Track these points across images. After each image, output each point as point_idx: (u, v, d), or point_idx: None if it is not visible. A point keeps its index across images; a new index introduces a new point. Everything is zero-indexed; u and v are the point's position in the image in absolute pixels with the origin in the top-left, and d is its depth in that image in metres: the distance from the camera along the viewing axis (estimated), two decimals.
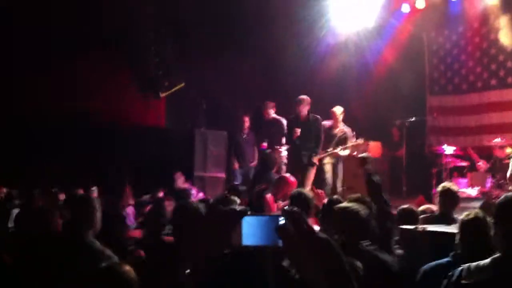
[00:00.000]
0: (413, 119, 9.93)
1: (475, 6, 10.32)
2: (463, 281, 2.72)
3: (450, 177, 9.13)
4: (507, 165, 8.59)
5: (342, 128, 9.25)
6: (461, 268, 2.80)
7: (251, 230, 2.42)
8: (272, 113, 9.71)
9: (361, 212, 3.73)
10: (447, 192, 5.20)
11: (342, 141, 9.09)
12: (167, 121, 11.15)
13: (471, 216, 3.48)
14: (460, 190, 8.41)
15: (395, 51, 11.08)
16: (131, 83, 10.62)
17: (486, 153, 9.58)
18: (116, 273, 2.45)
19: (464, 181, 9.15)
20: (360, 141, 8.94)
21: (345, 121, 9.35)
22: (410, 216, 4.78)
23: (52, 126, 9.31)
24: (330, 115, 9.32)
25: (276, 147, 9.08)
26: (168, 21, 10.34)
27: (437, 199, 5.40)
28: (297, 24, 10.15)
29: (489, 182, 8.80)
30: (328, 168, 9.17)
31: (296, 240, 1.69)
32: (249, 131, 10.29)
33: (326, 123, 9.20)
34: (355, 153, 9.61)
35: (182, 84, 10.76)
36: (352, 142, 8.98)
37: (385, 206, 4.25)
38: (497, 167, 8.85)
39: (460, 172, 9.58)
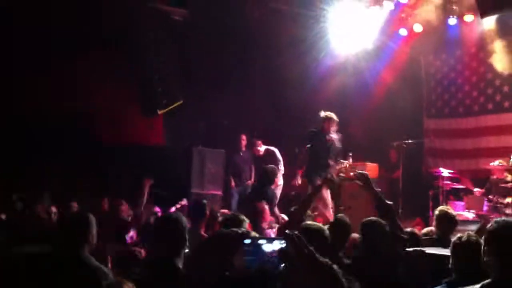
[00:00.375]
0: (411, 141, 9.97)
1: (472, 31, 10.43)
2: None
3: (446, 200, 9.15)
4: (503, 188, 8.64)
5: (331, 136, 8.97)
6: None
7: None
8: (261, 148, 9.81)
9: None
10: (445, 216, 5.24)
11: (336, 151, 8.95)
12: (165, 139, 11.15)
13: (463, 239, 3.49)
14: (457, 213, 8.48)
15: (393, 74, 11.17)
16: (130, 100, 10.64)
17: (483, 176, 9.60)
18: None
19: (460, 204, 9.16)
20: (346, 163, 9.03)
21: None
22: (412, 239, 4.80)
23: (51, 127, 9.29)
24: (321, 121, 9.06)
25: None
26: (170, 38, 10.39)
27: (434, 222, 5.43)
28: (297, 45, 10.24)
29: (485, 205, 8.82)
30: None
31: (296, 264, 1.70)
32: (246, 149, 10.33)
33: (314, 129, 9.07)
34: (351, 173, 9.68)
35: (180, 102, 10.78)
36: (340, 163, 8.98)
37: (399, 231, 4.21)
38: (493, 189, 8.88)
39: (456, 195, 9.60)
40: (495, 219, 2.88)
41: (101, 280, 3.39)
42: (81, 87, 9.86)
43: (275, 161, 9.48)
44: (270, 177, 7.97)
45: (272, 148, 9.82)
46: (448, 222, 5.20)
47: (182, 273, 3.06)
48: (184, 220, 3.49)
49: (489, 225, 2.83)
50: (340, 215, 5.66)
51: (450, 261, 3.55)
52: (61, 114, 9.52)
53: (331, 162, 8.77)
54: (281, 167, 9.55)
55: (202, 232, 5.50)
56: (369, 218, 4.22)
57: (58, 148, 9.12)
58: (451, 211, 5.52)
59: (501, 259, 2.70)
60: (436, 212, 5.51)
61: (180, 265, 3.07)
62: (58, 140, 9.18)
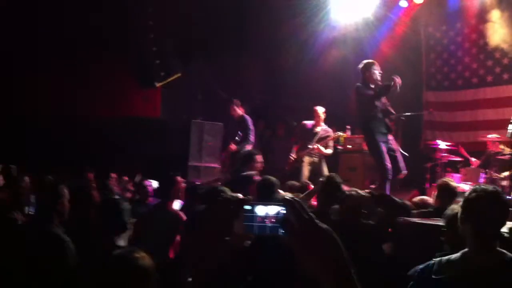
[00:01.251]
0: (409, 113, 9.94)
1: (473, 3, 10.36)
2: (433, 276, 2.71)
3: (444, 172, 9.17)
4: (499, 160, 8.68)
5: (324, 128, 9.12)
6: (432, 262, 2.79)
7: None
8: (239, 111, 9.66)
9: None
10: (446, 188, 5.23)
11: (324, 139, 9.02)
12: (163, 112, 11.14)
13: (456, 210, 3.51)
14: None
15: (392, 46, 11.09)
16: (127, 72, 10.59)
17: (480, 148, 9.63)
18: (131, 260, 2.37)
19: (457, 176, 9.18)
20: (341, 133, 9.06)
21: (326, 121, 9.23)
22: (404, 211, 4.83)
23: (48, 118, 9.30)
24: (312, 114, 9.18)
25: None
26: (168, 11, 10.29)
27: (435, 193, 5.42)
28: (296, 17, 10.15)
29: (482, 177, 8.86)
30: (305, 167, 8.92)
31: (296, 230, 1.71)
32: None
33: (307, 122, 9.14)
34: (349, 146, 9.71)
35: (179, 75, 10.73)
36: (333, 134, 9.03)
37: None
38: (490, 162, 8.91)
39: (454, 167, 9.62)
40: (473, 187, 2.85)
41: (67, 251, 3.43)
42: (79, 61, 9.81)
43: (246, 129, 9.41)
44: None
45: (246, 116, 9.64)
46: (449, 194, 5.11)
47: None
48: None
49: (467, 193, 2.81)
50: (332, 174, 5.73)
51: (443, 234, 3.54)
52: (56, 105, 9.50)
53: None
54: (251, 137, 9.44)
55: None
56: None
57: (52, 136, 9.11)
58: (453, 183, 5.49)
59: (474, 226, 2.69)
60: (439, 182, 5.50)
61: None
62: (52, 128, 9.18)
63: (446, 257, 2.78)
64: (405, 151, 9.89)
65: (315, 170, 8.88)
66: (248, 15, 10.30)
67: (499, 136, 8.73)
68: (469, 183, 8.72)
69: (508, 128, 6.97)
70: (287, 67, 10.75)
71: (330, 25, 10.72)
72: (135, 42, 10.28)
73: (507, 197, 6.53)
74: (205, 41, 10.36)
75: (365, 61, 8.09)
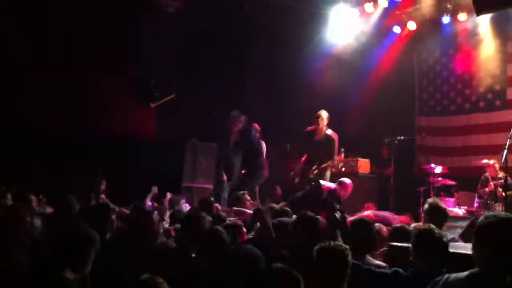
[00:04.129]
0: (402, 138, 10.01)
1: (465, 30, 10.53)
2: None
3: (437, 196, 9.19)
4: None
5: (327, 133, 9.02)
6: (441, 277, 2.85)
7: None
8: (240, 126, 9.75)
9: None
10: (435, 208, 5.18)
11: (328, 149, 8.92)
12: (157, 131, 11.10)
13: (422, 228, 3.59)
14: (448, 209, 8.53)
15: (386, 71, 11.22)
16: (122, 91, 10.58)
17: (472, 173, 9.69)
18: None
19: (451, 200, 9.23)
20: (336, 161, 8.97)
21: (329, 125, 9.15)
22: (403, 234, 4.80)
23: (42, 131, 9.23)
24: (314, 120, 9.12)
25: None
26: (164, 30, 10.36)
27: (423, 215, 5.38)
28: (292, 40, 10.26)
29: (476, 202, 8.90)
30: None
31: None
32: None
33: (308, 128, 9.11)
34: (343, 169, 9.72)
35: (173, 95, 10.75)
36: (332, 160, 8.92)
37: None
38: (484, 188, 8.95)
39: (447, 192, 9.66)
40: (485, 214, 2.90)
41: None
42: (74, 80, 9.80)
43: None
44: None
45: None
46: (439, 214, 5.04)
47: None
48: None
49: (479, 220, 2.84)
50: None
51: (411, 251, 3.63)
52: (51, 120, 9.46)
53: None
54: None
55: None
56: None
57: (48, 141, 9.04)
58: (442, 204, 5.50)
59: (489, 251, 2.71)
60: (426, 204, 5.47)
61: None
62: (48, 133, 9.11)
63: (454, 274, 2.81)
64: (398, 175, 9.96)
65: None
66: (245, 37, 10.39)
67: (494, 162, 8.76)
68: (464, 207, 8.78)
69: (503, 154, 7.00)
70: (283, 90, 10.82)
71: (325, 49, 10.84)
72: (130, 61, 10.30)
73: None
74: (202, 62, 10.40)
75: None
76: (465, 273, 2.78)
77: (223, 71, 10.44)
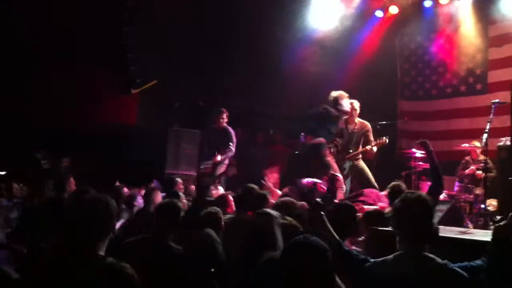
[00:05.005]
0: (384, 122, 10.04)
1: (447, 14, 10.54)
2: (366, 274, 2.95)
3: (419, 180, 9.27)
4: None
5: (360, 123, 8.90)
6: (369, 263, 3.00)
7: None
8: (224, 122, 9.63)
9: None
10: (399, 191, 5.20)
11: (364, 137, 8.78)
12: (139, 119, 11.03)
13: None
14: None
15: (368, 55, 11.20)
16: (103, 78, 10.46)
17: (454, 158, 9.75)
18: (118, 270, 2.42)
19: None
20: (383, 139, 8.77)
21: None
22: (378, 217, 4.81)
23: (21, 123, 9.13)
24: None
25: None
26: (144, 17, 10.24)
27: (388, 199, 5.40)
28: (274, 24, 10.19)
29: (456, 186, 8.98)
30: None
31: None
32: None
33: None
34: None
35: (155, 82, 10.67)
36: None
37: None
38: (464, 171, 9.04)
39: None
40: (401, 197, 3.02)
41: None
42: (53, 67, 9.66)
43: (229, 140, 9.42)
44: None
45: (230, 128, 9.60)
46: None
47: None
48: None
49: (396, 202, 3.00)
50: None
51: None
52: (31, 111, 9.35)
53: None
54: (233, 149, 9.49)
55: None
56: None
57: (28, 130, 8.95)
58: (403, 185, 5.52)
59: (405, 231, 2.89)
60: (388, 188, 5.50)
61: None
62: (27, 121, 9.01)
63: (381, 259, 2.97)
64: (380, 160, 10.00)
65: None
66: (227, 24, 10.30)
67: (477, 145, 8.82)
68: (444, 191, 8.84)
69: (483, 138, 7.07)
70: (266, 75, 10.77)
71: (307, 34, 10.80)
72: (111, 48, 10.18)
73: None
74: (184, 48, 10.31)
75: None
76: (391, 256, 2.92)
77: (203, 57, 10.35)
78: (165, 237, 4.02)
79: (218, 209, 4.94)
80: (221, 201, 5.71)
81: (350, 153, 8.79)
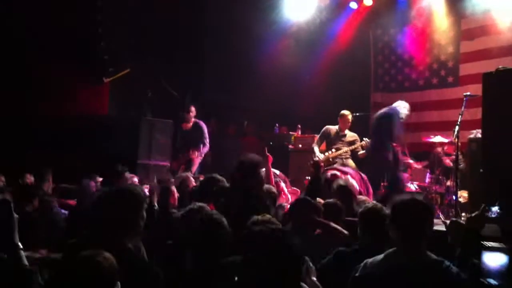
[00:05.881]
0: (358, 114, 10.10)
1: (420, 7, 10.65)
2: (356, 274, 2.99)
3: None
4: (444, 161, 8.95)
5: (353, 134, 9.18)
6: (363, 263, 3.04)
7: None
8: (192, 118, 9.57)
9: None
10: (343, 189, 5.41)
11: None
12: (111, 109, 10.86)
13: (368, 207, 3.81)
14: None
15: (342, 47, 11.25)
16: (73, 68, 10.25)
17: (426, 149, 9.88)
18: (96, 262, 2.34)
19: (404, 175, 9.39)
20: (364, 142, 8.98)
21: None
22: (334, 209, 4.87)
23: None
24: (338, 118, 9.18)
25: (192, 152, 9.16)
26: (117, 5, 10.05)
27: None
28: (248, 15, 10.13)
29: (428, 178, 9.10)
30: None
31: None
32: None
33: (332, 127, 9.16)
34: (300, 145, 9.78)
35: (127, 70, 10.50)
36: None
37: None
38: (435, 163, 9.15)
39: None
40: (399, 198, 3.09)
41: None
42: (21, 57, 9.42)
43: (202, 136, 9.39)
44: None
45: (202, 122, 9.56)
46: (347, 195, 5.28)
47: None
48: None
49: (393, 201, 3.07)
50: None
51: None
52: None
53: None
54: (207, 144, 9.48)
55: None
56: None
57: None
58: (348, 182, 5.65)
59: (400, 232, 2.97)
60: (334, 186, 5.54)
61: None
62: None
63: (372, 259, 3.03)
64: (354, 151, 10.07)
65: None
66: (201, 12, 10.20)
67: (445, 141, 8.95)
68: (416, 183, 8.97)
69: (454, 130, 7.15)
70: (239, 66, 10.73)
71: (281, 25, 10.78)
72: (82, 36, 9.97)
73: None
74: (156, 37, 10.17)
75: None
76: (381, 255, 3.00)
77: (176, 46, 10.24)
78: None
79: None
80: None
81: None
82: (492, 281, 2.90)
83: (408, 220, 2.95)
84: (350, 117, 9.11)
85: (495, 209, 4.86)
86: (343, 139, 9.05)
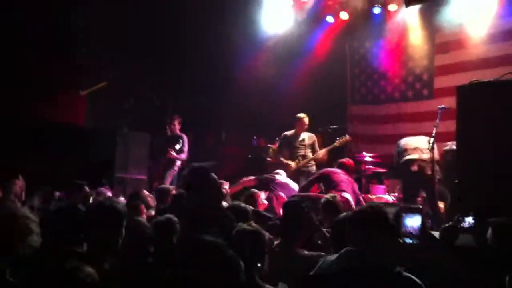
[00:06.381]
0: (335, 126, 10.17)
1: (396, 21, 10.81)
2: (312, 273, 3.03)
3: (369, 183, 9.43)
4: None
5: (309, 134, 9.31)
6: (321, 261, 3.10)
7: None
8: (177, 129, 9.67)
9: None
10: (331, 205, 5.33)
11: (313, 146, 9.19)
12: (88, 120, 10.75)
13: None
14: (378, 196, 8.77)
15: (319, 60, 11.34)
16: (51, 77, 10.12)
17: None
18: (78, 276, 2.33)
19: (382, 187, 9.47)
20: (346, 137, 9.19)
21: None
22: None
23: None
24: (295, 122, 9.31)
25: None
26: (97, 20, 10.01)
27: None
28: (226, 26, 10.17)
29: None
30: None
31: None
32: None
33: (289, 133, 9.28)
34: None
35: (104, 83, 10.45)
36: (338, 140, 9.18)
37: None
38: None
39: (378, 179, 9.90)
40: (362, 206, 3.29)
41: None
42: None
43: (182, 147, 9.46)
44: None
45: (183, 135, 9.66)
46: (334, 212, 4.95)
47: None
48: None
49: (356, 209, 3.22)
50: None
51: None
52: None
53: None
54: (185, 155, 9.53)
55: None
56: None
57: None
58: (336, 199, 5.51)
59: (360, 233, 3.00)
60: (322, 201, 5.42)
61: None
62: None
63: (330, 257, 3.09)
64: (331, 163, 10.11)
65: None
66: (180, 21, 10.19)
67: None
68: (393, 194, 9.04)
69: (430, 141, 7.24)
70: (218, 77, 10.75)
71: (259, 38, 10.85)
72: (60, 46, 9.90)
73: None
74: (133, 47, 10.13)
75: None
76: (336, 255, 3.05)
77: (154, 58, 10.21)
78: None
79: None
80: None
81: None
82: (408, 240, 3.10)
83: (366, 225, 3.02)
84: (306, 119, 9.27)
85: (469, 219, 4.91)
86: (303, 143, 9.15)
